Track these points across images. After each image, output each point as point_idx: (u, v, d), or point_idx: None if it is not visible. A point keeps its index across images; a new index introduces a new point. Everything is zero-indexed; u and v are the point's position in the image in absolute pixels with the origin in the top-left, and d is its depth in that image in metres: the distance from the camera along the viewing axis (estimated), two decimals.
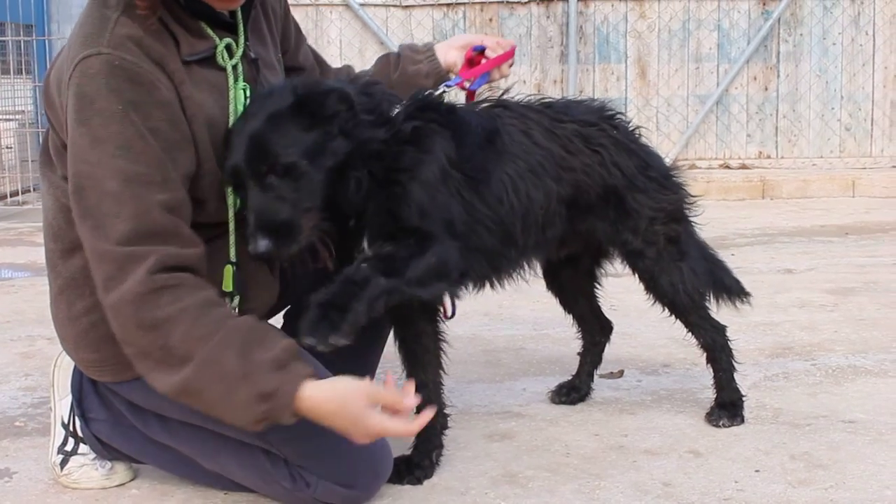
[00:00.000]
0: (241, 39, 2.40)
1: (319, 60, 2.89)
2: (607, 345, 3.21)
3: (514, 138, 2.59)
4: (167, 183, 2.17)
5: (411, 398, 2.24)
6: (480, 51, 2.89)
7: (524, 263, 2.74)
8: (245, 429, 2.20)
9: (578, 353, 3.20)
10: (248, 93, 2.36)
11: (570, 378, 3.19)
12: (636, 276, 2.88)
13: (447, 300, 2.71)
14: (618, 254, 2.88)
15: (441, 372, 2.68)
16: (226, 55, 2.34)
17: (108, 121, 2.13)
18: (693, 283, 2.87)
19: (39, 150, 2.41)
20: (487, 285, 2.68)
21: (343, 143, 2.28)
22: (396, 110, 2.43)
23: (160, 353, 2.13)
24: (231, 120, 2.33)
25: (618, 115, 2.84)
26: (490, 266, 2.59)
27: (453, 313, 2.76)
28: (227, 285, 2.34)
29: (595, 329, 3.18)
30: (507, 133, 2.58)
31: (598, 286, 3.13)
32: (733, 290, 3.04)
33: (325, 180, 2.27)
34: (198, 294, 2.15)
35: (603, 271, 3.09)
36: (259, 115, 2.27)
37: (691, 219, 2.93)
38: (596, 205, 2.74)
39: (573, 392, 3.15)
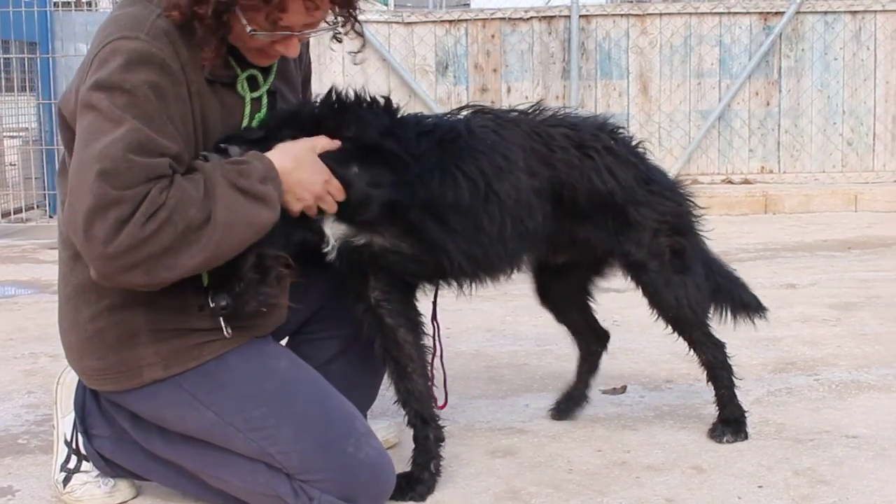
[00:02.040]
0: (272, 77, 2.44)
1: None
2: (609, 359, 3.20)
3: (479, 137, 2.56)
4: (180, 157, 2.20)
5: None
6: None
7: (510, 258, 2.67)
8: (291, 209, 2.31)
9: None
10: None
11: (568, 389, 3.16)
12: (639, 289, 2.86)
13: (440, 389, 2.71)
14: (619, 266, 2.85)
15: (428, 383, 2.62)
16: (245, 86, 2.38)
17: (134, 90, 2.14)
18: (696, 297, 2.85)
19: (59, 162, 2.42)
20: (476, 281, 2.63)
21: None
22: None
23: (190, 233, 2.13)
24: None
25: (619, 129, 2.82)
26: (466, 254, 2.52)
27: (445, 402, 2.76)
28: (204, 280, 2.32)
29: (590, 339, 3.16)
30: (472, 132, 2.55)
31: (590, 299, 3.11)
32: (751, 306, 3.02)
33: None
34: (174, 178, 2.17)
35: (595, 285, 3.06)
36: None
37: (700, 233, 2.91)
38: (591, 212, 2.71)
39: (570, 401, 3.13)
